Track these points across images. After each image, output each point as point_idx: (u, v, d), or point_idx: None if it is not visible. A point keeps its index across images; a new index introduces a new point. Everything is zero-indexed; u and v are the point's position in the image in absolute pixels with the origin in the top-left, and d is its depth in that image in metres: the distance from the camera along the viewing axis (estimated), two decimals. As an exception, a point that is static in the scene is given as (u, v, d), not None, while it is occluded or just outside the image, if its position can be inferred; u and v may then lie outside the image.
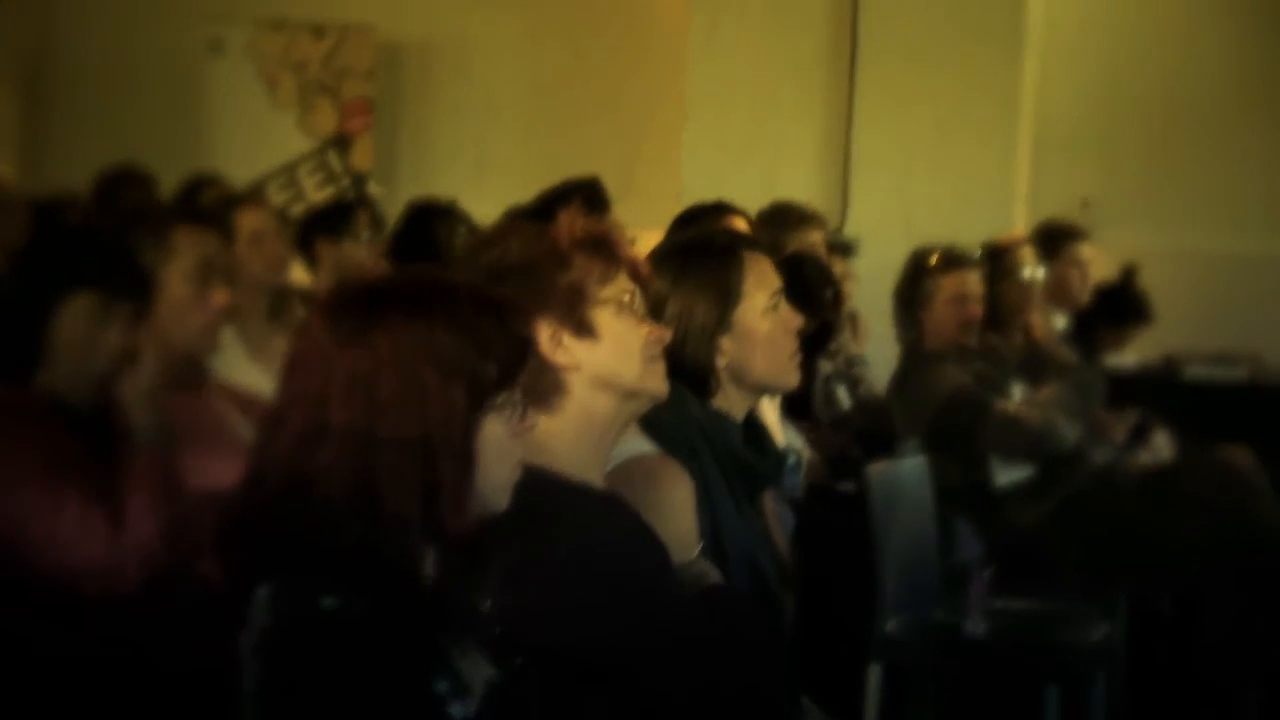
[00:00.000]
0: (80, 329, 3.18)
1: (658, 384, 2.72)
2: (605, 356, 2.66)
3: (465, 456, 2.07)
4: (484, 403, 2.09)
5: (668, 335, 2.76)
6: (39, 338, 3.16)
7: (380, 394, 2.04)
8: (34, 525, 3.03)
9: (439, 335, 2.07)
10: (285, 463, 2.06)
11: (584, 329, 2.64)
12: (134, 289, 3.26)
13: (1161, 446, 5.66)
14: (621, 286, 2.67)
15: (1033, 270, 5.83)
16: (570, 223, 2.65)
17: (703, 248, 3.27)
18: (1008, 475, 5.44)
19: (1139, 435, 5.65)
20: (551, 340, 2.63)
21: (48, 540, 3.03)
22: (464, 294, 2.14)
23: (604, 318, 2.65)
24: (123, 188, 5.68)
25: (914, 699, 4.85)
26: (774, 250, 3.62)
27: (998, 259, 5.80)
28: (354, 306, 2.11)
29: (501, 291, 2.29)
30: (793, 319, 3.22)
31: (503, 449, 2.13)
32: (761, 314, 3.18)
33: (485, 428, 2.10)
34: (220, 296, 3.61)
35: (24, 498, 3.02)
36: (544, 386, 2.59)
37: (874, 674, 4.61)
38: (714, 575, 2.78)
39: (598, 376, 2.66)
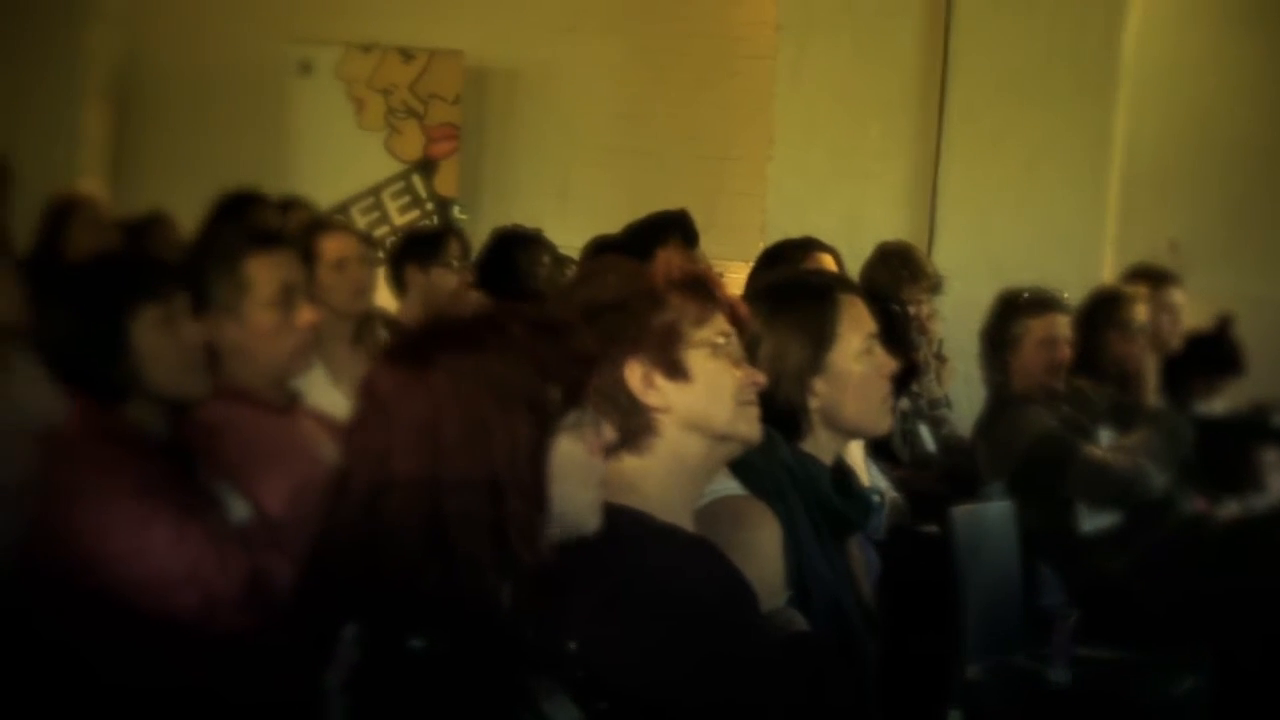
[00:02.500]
0: (156, 335, 3.20)
1: (750, 429, 2.69)
2: (697, 399, 2.62)
3: (534, 489, 2.05)
4: (550, 428, 2.07)
5: (762, 380, 2.72)
6: (121, 360, 3.18)
7: (443, 438, 2.02)
8: (122, 539, 3.03)
9: (495, 366, 2.05)
10: (355, 520, 2.04)
11: (677, 371, 2.60)
12: (171, 283, 3.28)
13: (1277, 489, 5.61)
14: (717, 328, 2.63)
15: (1143, 322, 5.73)
16: (668, 262, 2.62)
17: (797, 288, 3.24)
18: (1094, 521, 5.37)
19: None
20: (644, 381, 2.60)
21: (137, 554, 3.03)
22: (516, 321, 2.12)
23: (698, 360, 2.62)
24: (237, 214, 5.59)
25: (994, 746, 4.79)
26: (883, 295, 3.58)
27: (1107, 306, 5.71)
28: (409, 352, 2.09)
29: (602, 338, 2.27)
30: (886, 363, 3.19)
31: (583, 469, 2.10)
32: (855, 357, 3.15)
33: (561, 449, 2.07)
34: (305, 315, 3.61)
35: (114, 514, 3.03)
36: (634, 427, 2.57)
37: (954, 720, 4.55)
38: (801, 623, 2.74)
39: (689, 419, 2.62)
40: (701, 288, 2.63)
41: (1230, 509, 5.64)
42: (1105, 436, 5.49)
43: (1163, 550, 5.32)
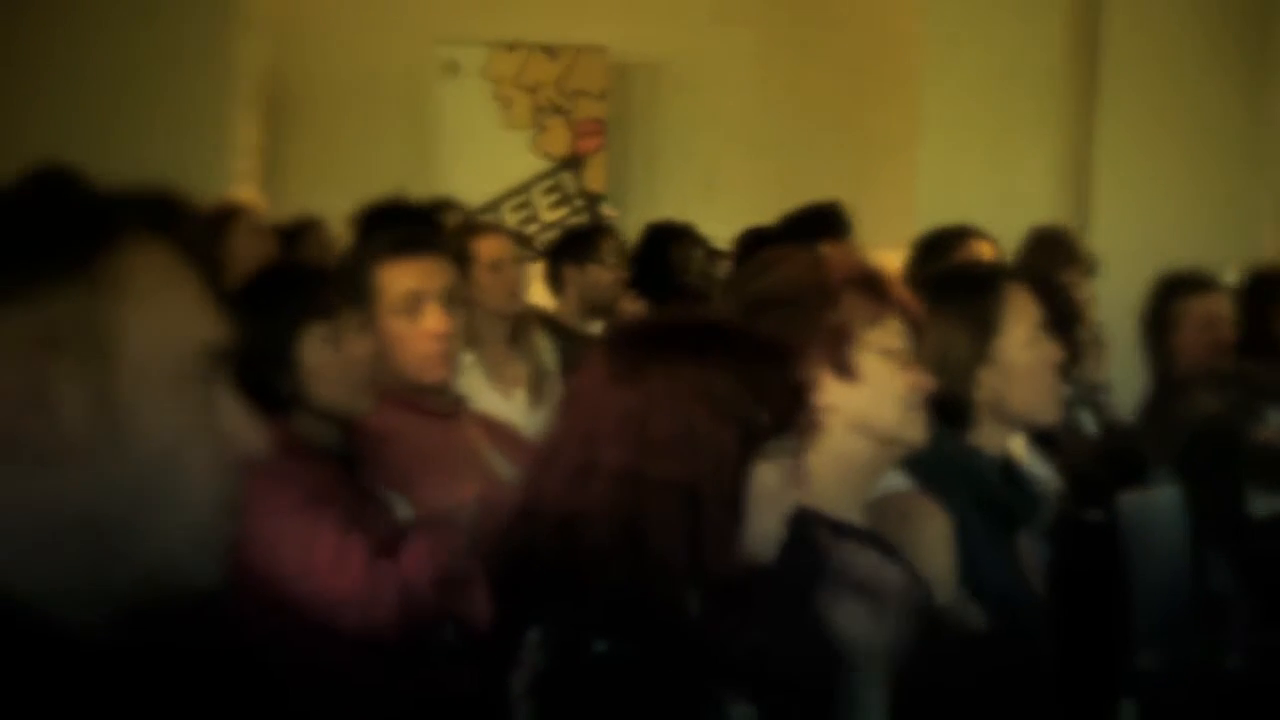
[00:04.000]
0: (323, 352, 3.22)
1: (915, 434, 2.66)
2: (864, 401, 2.60)
3: (733, 502, 2.05)
4: (755, 448, 2.06)
5: (931, 384, 2.69)
6: (288, 375, 3.21)
7: (650, 433, 2.03)
8: (291, 556, 3.06)
9: (714, 377, 2.05)
10: (555, 499, 2.05)
11: (845, 371, 2.59)
12: (336, 301, 3.30)
13: None
14: (890, 330, 2.61)
15: None
16: (843, 259, 2.61)
17: (961, 279, 3.21)
18: (1267, 505, 5.27)
19: None
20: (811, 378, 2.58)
21: (305, 570, 3.06)
22: (742, 338, 2.12)
23: (867, 361, 2.60)
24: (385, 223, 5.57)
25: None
26: (1040, 281, 3.53)
27: (1267, 284, 5.61)
28: (632, 345, 2.10)
29: (772, 332, 2.27)
30: (1054, 352, 3.14)
31: (774, 499, 2.10)
32: (1022, 346, 3.10)
33: (757, 475, 2.07)
34: (431, 322, 3.55)
35: (283, 529, 3.06)
36: (802, 424, 2.56)
37: (1128, 711, 4.48)
38: (977, 619, 2.71)
39: (855, 420, 2.60)
40: (876, 288, 2.61)
41: None
42: (1275, 417, 5.38)
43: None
